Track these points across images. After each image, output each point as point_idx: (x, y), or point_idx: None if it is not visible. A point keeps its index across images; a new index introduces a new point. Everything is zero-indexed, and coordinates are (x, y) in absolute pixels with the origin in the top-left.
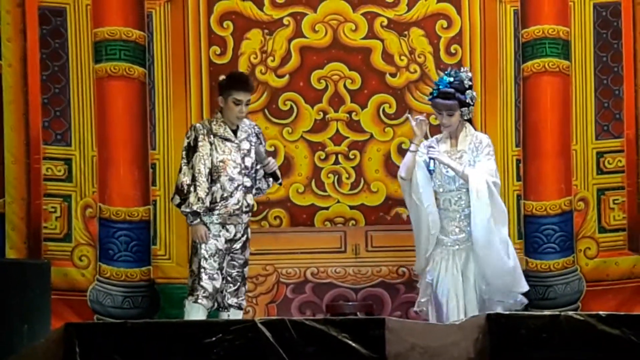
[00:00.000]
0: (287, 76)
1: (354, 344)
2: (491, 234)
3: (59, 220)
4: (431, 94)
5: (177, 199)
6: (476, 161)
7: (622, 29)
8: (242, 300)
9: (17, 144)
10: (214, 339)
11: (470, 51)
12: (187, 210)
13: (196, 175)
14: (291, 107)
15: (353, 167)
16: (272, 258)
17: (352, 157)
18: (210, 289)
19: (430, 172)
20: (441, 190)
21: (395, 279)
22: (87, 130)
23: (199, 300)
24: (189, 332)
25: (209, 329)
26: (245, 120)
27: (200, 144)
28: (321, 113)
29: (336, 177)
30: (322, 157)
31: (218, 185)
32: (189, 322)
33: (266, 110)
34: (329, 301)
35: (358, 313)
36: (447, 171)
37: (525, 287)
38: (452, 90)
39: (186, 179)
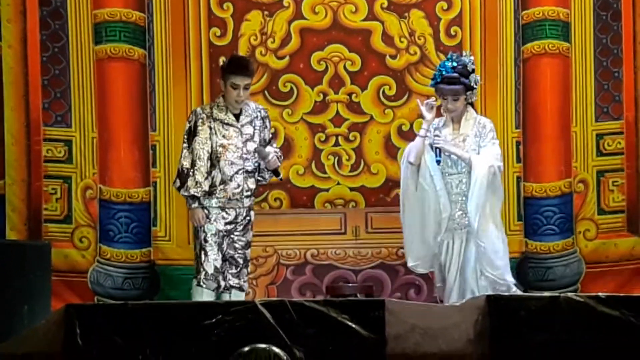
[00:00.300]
0: (287, 58)
1: (354, 326)
2: (486, 220)
3: (59, 201)
4: (433, 79)
5: (178, 183)
6: (481, 146)
7: (622, 11)
8: (244, 282)
9: (18, 125)
10: (214, 320)
11: (470, 33)
12: (185, 194)
13: (195, 159)
14: (291, 88)
15: (353, 149)
16: (272, 240)
17: (352, 138)
18: (211, 271)
19: (438, 162)
20: (443, 174)
21: (395, 261)
22: (88, 111)
23: (202, 283)
24: (189, 314)
25: (209, 311)
26: (250, 103)
27: (199, 128)
28: (321, 95)
29: (336, 158)
30: (322, 139)
31: (217, 169)
32: (189, 303)
33: (266, 92)
34: (329, 283)
35: (358, 294)
36: (448, 155)
37: (510, 280)
38: (456, 75)
39: (186, 163)
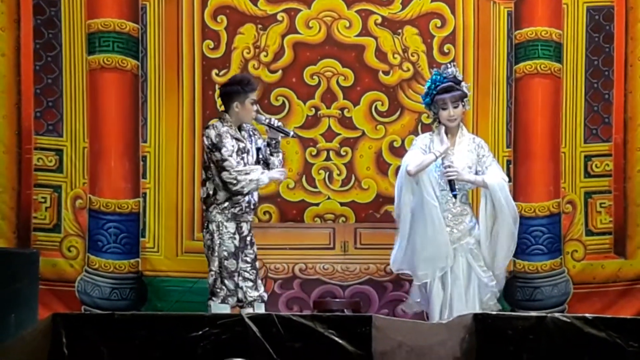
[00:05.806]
0: (279, 72)
1: (340, 341)
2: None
3: (48, 210)
4: (427, 94)
5: (237, 183)
6: (484, 166)
7: (615, 33)
8: (264, 291)
9: (9, 134)
10: (200, 332)
11: (463, 51)
12: (255, 182)
13: (229, 160)
14: (283, 102)
15: (344, 164)
16: (260, 253)
17: (343, 153)
18: (232, 287)
19: (455, 196)
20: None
21: (383, 277)
22: (79, 121)
23: (226, 301)
24: (176, 326)
25: (196, 323)
26: None
27: (225, 140)
28: (313, 109)
29: (327, 173)
30: (314, 153)
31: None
32: (176, 315)
33: (258, 105)
34: (316, 297)
35: (345, 310)
36: (436, 170)
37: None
38: (451, 82)
39: (228, 163)
